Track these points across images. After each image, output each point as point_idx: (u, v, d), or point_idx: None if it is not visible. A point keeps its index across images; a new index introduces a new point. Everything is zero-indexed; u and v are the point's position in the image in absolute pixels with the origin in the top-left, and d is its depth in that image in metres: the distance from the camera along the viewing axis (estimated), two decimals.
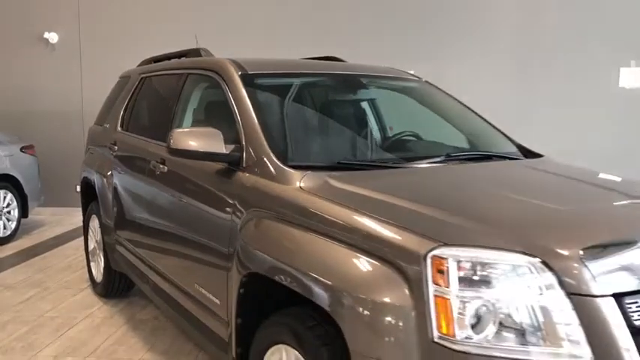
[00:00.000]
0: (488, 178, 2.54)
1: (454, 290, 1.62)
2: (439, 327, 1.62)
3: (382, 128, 3.39)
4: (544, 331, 1.61)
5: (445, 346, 1.60)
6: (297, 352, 2.00)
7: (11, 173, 6.34)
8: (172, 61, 3.97)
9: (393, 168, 2.55)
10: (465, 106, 3.52)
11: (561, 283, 1.61)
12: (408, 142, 3.16)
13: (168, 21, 7.32)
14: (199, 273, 2.84)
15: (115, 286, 4.32)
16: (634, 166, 6.94)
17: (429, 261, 1.65)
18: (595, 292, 1.61)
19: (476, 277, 1.64)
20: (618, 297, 1.62)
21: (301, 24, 7.29)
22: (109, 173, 4.11)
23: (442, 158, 2.67)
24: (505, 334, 1.62)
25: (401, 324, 1.67)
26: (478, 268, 1.64)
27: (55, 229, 6.89)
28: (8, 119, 7.38)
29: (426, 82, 3.64)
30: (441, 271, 1.64)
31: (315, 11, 7.28)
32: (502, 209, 2.05)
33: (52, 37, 7.69)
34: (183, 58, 3.81)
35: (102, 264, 4.39)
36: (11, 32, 7.73)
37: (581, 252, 1.65)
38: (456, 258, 1.64)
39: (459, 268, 1.64)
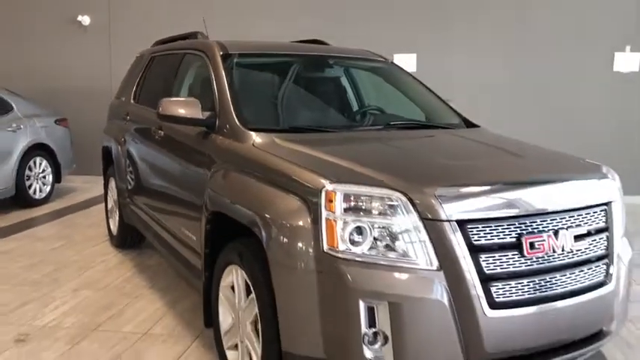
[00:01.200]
0: (407, 141, 3.10)
1: (339, 215, 2.20)
2: (328, 241, 2.20)
3: (343, 101, 3.94)
4: (405, 246, 2.17)
5: (331, 255, 2.18)
6: (240, 268, 2.62)
7: (46, 142, 7.11)
8: (176, 42, 4.57)
9: (333, 132, 3.12)
10: (424, 85, 4.04)
11: (418, 212, 2.17)
12: (359, 112, 3.72)
13: (190, 6, 7.95)
14: (184, 218, 3.47)
15: (128, 238, 5.02)
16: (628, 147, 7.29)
17: (323, 194, 2.23)
18: (442, 218, 2.16)
19: (356, 206, 2.21)
20: (461, 223, 2.17)
21: (308, 10, 7.83)
22: (122, 140, 4.78)
23: (381, 126, 3.23)
24: (377, 248, 2.19)
25: (303, 239, 2.25)
26: (358, 199, 2.21)
27: (84, 194, 7.67)
28: (45, 94, 8.15)
29: (392, 62, 4.17)
30: (330, 201, 2.21)
31: None
32: (395, 161, 2.62)
33: (85, 19, 8.44)
34: (184, 40, 4.42)
35: (117, 219, 5.09)
36: (48, 15, 8.50)
37: (436, 190, 2.20)
38: (342, 192, 2.21)
39: (344, 199, 2.21)
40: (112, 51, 8.41)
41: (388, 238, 2.19)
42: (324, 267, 2.19)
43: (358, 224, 2.20)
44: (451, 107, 3.85)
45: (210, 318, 2.97)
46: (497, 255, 2.21)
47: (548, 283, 2.29)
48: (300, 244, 2.26)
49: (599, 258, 2.50)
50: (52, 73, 8.47)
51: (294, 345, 2.30)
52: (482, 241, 2.20)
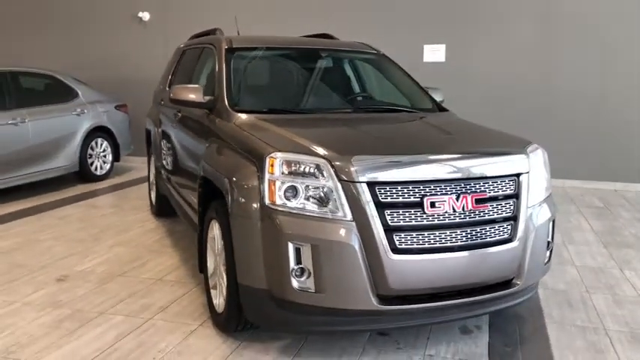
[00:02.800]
0: (362, 121, 3.66)
1: (277, 177, 2.80)
2: (269, 197, 2.81)
3: (327, 87, 4.49)
4: (328, 202, 2.75)
5: (271, 208, 2.79)
6: (217, 222, 3.27)
7: (106, 125, 8.08)
8: (201, 37, 5.28)
9: (305, 114, 3.72)
10: (408, 75, 4.54)
11: (337, 175, 2.74)
12: (338, 97, 4.29)
13: (236, 4, 8.70)
14: (191, 184, 4.18)
15: (163, 207, 5.80)
16: None
17: (267, 160, 2.84)
18: (355, 180, 2.72)
19: (290, 170, 2.80)
20: (371, 184, 2.73)
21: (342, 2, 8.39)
22: (158, 123, 5.56)
23: (351, 109, 3.80)
24: (307, 203, 2.78)
25: (252, 196, 2.87)
26: (292, 164, 2.80)
27: (140, 173, 8.60)
28: (108, 83, 9.16)
29: (383, 54, 4.69)
30: (272, 166, 2.82)
31: None
32: (335, 136, 3.21)
33: (145, 15, 9.38)
34: (206, 36, 5.12)
35: (154, 191, 5.90)
36: (112, 12, 9.51)
37: (352, 158, 2.77)
38: (281, 158, 2.82)
39: (282, 164, 2.81)
40: (168, 44, 9.28)
41: (314, 195, 2.78)
42: (266, 217, 2.81)
43: (292, 184, 2.80)
44: (428, 94, 4.34)
45: (202, 265, 3.65)
46: (400, 211, 2.75)
47: (448, 236, 2.81)
48: (250, 200, 2.89)
49: (506, 219, 2.97)
50: (114, 63, 9.49)
51: (245, 278, 2.94)
52: (388, 199, 2.74)
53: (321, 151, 2.84)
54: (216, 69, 4.03)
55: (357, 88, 4.54)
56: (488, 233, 2.91)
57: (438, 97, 4.42)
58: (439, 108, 4.19)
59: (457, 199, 2.83)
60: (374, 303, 2.74)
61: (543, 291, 4.04)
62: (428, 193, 2.79)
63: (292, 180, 2.80)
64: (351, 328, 2.90)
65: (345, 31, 7.97)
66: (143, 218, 5.95)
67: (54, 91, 7.53)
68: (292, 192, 2.80)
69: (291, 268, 2.75)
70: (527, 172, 3.09)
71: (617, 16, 7.56)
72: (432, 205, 2.78)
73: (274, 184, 2.81)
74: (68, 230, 5.49)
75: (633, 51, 7.57)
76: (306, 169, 2.79)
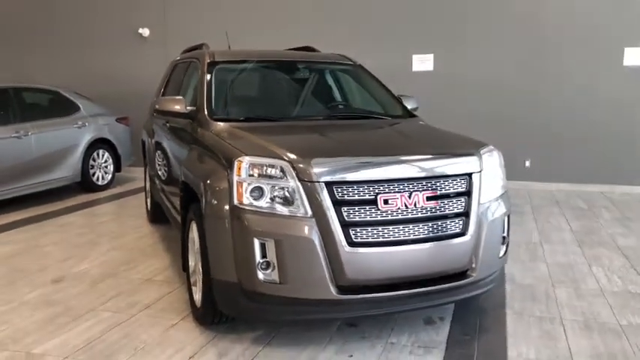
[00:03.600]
0: (329, 127, 3.93)
1: (244, 178, 3.06)
2: (237, 198, 3.07)
3: (301, 97, 4.74)
4: (291, 201, 3.00)
5: (239, 207, 3.05)
6: (195, 223, 3.53)
7: (108, 137, 8.41)
8: (190, 52, 5.58)
9: (278, 121, 3.98)
10: (381, 83, 4.80)
11: (299, 176, 3.00)
12: (312, 106, 4.56)
13: (231, 20, 9.02)
14: (176, 191, 4.44)
15: (157, 214, 6.08)
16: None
17: (235, 163, 3.10)
18: (314, 180, 2.98)
19: (257, 172, 3.06)
20: (328, 184, 2.98)
21: (334, 14, 8.68)
22: (151, 133, 5.85)
23: (322, 117, 4.07)
24: (272, 202, 3.03)
25: (223, 197, 3.12)
26: (258, 167, 3.06)
27: (140, 182, 8.84)
28: (110, 96, 9.49)
29: (359, 65, 4.96)
30: (239, 169, 3.08)
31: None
32: (300, 141, 3.47)
33: (145, 31, 9.75)
34: (194, 50, 5.42)
35: (150, 199, 6.19)
36: (113, 28, 9.89)
37: (312, 160, 3.02)
38: (247, 162, 3.08)
39: (249, 167, 3.07)
40: (167, 58, 9.60)
41: (278, 194, 3.03)
42: (234, 216, 3.07)
43: (258, 185, 3.05)
44: (400, 102, 4.60)
45: (185, 264, 3.91)
46: (356, 208, 3.00)
47: (402, 231, 3.05)
48: (221, 201, 3.14)
49: (457, 215, 3.21)
50: (116, 77, 9.84)
51: (218, 273, 3.19)
52: (345, 197, 3.00)
53: (284, 154, 3.10)
54: (199, 82, 4.31)
55: (330, 97, 4.80)
56: (440, 228, 3.14)
57: (411, 105, 4.67)
58: (409, 114, 4.44)
59: (409, 196, 3.07)
60: (333, 293, 2.98)
61: (510, 286, 4.26)
62: (381, 192, 3.04)
63: (258, 181, 3.06)
64: (314, 316, 3.14)
65: (337, 43, 8.25)
66: (139, 224, 6.23)
67: (56, 106, 7.87)
68: (258, 192, 3.05)
69: (257, 262, 3.00)
70: (479, 172, 3.33)
71: (605, 27, 7.79)
72: (386, 202, 3.03)
73: (241, 186, 3.06)
74: (68, 236, 5.78)
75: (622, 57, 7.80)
76: (271, 171, 3.05)
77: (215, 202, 3.17)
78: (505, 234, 3.53)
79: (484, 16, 8.24)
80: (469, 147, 3.49)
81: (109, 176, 8.54)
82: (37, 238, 5.73)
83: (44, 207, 7.18)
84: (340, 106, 4.55)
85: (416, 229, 3.08)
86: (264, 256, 3.00)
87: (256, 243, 2.99)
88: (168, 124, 4.87)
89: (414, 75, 8.56)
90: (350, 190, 3.01)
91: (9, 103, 7.09)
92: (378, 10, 8.59)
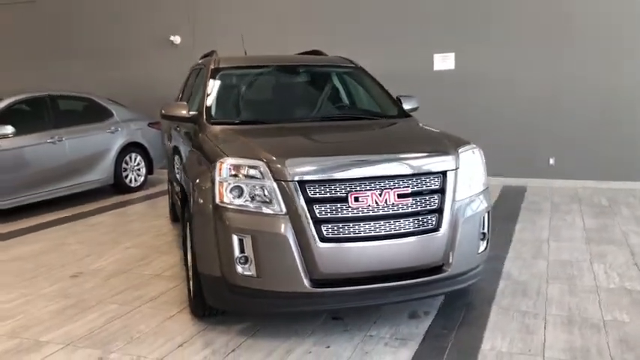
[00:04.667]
0: (316, 129, 4.10)
1: (225, 178, 3.26)
2: (219, 197, 3.27)
3: (299, 100, 4.91)
4: (265, 198, 3.19)
5: (220, 206, 3.25)
6: (188, 221, 3.76)
7: (140, 141, 8.82)
8: (204, 59, 5.84)
9: (271, 124, 4.17)
10: (379, 85, 4.92)
11: (274, 175, 3.18)
12: (307, 108, 4.72)
13: (255, 28, 9.30)
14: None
15: (176, 213, 6.37)
16: None
17: (217, 164, 3.30)
18: (288, 179, 3.15)
19: (236, 173, 3.26)
20: (301, 182, 3.15)
21: (354, 15, 8.83)
22: (169, 137, 6.15)
23: (315, 119, 4.24)
24: (251, 200, 3.22)
25: (207, 196, 3.34)
26: (237, 168, 3.26)
27: None
28: (143, 101, 9.88)
29: (360, 67, 5.10)
30: (221, 169, 3.28)
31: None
32: (282, 142, 3.65)
33: (176, 39, 10.13)
34: (206, 57, 5.67)
35: (170, 198, 6.50)
36: (145, 36, 10.32)
37: (286, 160, 3.20)
38: (228, 163, 3.28)
39: (230, 168, 3.27)
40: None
41: (256, 193, 3.22)
42: (217, 214, 3.28)
43: (237, 184, 3.25)
44: (397, 102, 4.71)
45: (186, 260, 4.15)
46: (327, 205, 3.15)
47: (373, 227, 3.18)
48: (206, 199, 3.36)
49: (431, 212, 3.31)
50: (149, 83, 10.26)
51: (204, 268, 3.41)
52: (317, 195, 3.16)
53: (262, 154, 3.29)
54: (203, 87, 4.56)
55: (326, 100, 4.95)
56: (412, 224, 3.26)
57: (410, 105, 4.77)
58: (405, 115, 4.54)
59: (380, 194, 3.20)
60: (307, 286, 3.15)
61: (505, 282, 4.31)
62: (352, 190, 3.18)
63: (237, 181, 3.25)
64: (290, 309, 3.32)
65: (358, 44, 8.45)
66: (161, 224, 6.55)
67: (90, 112, 8.31)
68: (238, 191, 3.25)
69: (236, 257, 3.20)
70: (455, 170, 3.42)
71: (628, 27, 7.64)
72: (356, 199, 3.17)
73: (222, 185, 3.27)
74: (94, 235, 6.14)
75: None
76: (249, 172, 3.24)
77: (201, 200, 3.39)
78: (485, 230, 3.60)
79: (506, 15, 8.19)
80: (446, 146, 3.58)
81: (142, 178, 8.94)
82: (66, 236, 6.12)
83: (78, 208, 7.62)
84: (333, 108, 4.71)
85: (387, 225, 3.21)
86: (242, 251, 3.19)
87: (235, 239, 3.19)
88: (178, 129, 5.13)
89: (436, 74, 8.59)
90: (322, 188, 3.17)
91: (45, 111, 7.56)
92: (398, 9, 8.67)
